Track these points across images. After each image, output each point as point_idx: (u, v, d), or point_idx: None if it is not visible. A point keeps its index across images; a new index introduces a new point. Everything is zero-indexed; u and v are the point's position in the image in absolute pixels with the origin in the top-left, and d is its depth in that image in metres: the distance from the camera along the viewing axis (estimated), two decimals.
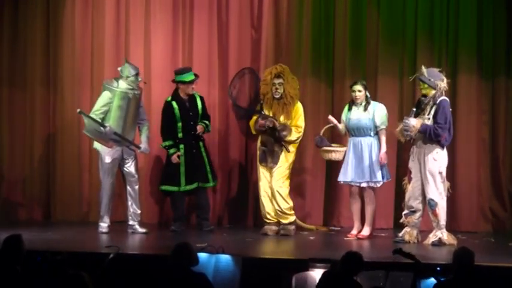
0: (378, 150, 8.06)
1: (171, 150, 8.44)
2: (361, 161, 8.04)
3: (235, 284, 6.17)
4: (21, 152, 9.47)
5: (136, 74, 8.29)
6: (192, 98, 8.56)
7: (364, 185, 8.08)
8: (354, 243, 7.90)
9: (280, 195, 8.27)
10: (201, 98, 8.65)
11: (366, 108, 8.09)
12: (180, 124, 8.47)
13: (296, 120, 8.31)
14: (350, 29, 9.08)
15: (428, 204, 7.71)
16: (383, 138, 8.06)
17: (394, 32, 9.05)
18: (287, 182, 8.36)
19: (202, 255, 6.18)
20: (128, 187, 8.36)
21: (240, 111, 9.09)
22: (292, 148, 8.36)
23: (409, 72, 8.68)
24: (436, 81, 7.72)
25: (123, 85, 8.23)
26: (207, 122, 8.59)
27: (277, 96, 8.30)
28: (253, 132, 8.52)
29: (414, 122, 7.66)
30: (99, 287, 5.25)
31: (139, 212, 8.38)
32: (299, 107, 8.37)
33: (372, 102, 8.15)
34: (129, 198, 8.36)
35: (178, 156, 8.41)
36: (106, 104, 8.18)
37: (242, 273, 6.21)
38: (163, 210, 9.30)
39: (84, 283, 4.42)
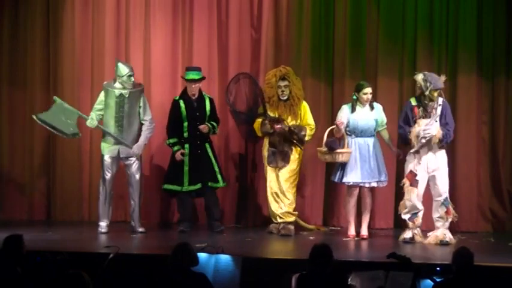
0: (380, 150, 8.15)
1: (175, 148, 8.43)
2: (367, 161, 8.08)
3: (235, 284, 6.17)
4: (21, 152, 9.46)
5: (129, 75, 8.27)
6: (201, 98, 8.53)
7: (374, 184, 8.13)
8: (354, 244, 7.91)
9: (288, 197, 8.34)
10: (211, 100, 8.62)
11: (372, 108, 8.17)
12: (186, 123, 8.45)
13: (306, 119, 8.38)
14: (350, 29, 9.08)
15: (444, 202, 7.79)
16: (387, 135, 8.24)
17: (394, 32, 9.05)
18: (296, 182, 8.43)
19: (202, 255, 6.18)
20: (130, 187, 8.37)
21: (240, 117, 9.02)
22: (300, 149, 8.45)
23: (409, 72, 8.69)
24: (439, 86, 7.82)
25: (118, 85, 8.30)
26: (214, 123, 8.56)
27: (284, 98, 8.34)
28: (259, 134, 8.54)
29: (435, 131, 7.72)
30: (99, 287, 5.25)
31: (138, 212, 8.38)
32: (305, 105, 8.43)
33: (374, 103, 8.25)
34: (132, 200, 8.37)
35: (183, 154, 8.40)
36: (99, 103, 8.32)
37: (242, 273, 6.21)
38: (163, 210, 9.30)
39: (84, 283, 4.42)
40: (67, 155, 9.34)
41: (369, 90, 8.16)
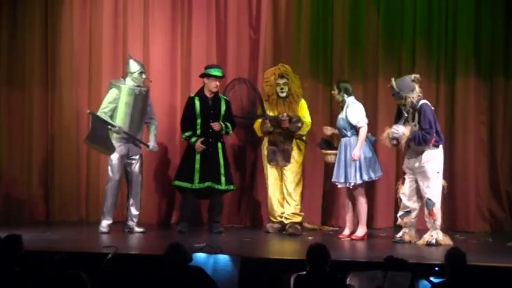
0: (350, 150, 8.04)
1: (193, 139, 8.40)
2: (340, 161, 8.09)
3: (234, 284, 6.17)
4: (20, 152, 9.46)
5: (141, 72, 8.29)
6: (216, 98, 8.52)
7: (340, 185, 8.14)
8: (351, 244, 7.91)
9: (294, 199, 8.42)
10: (227, 102, 8.60)
11: (341, 109, 8.13)
12: (199, 120, 8.44)
13: (302, 116, 8.43)
14: (348, 29, 9.09)
15: (426, 204, 7.72)
16: (360, 136, 7.98)
17: (393, 33, 9.07)
18: (300, 182, 8.51)
19: (200, 256, 6.19)
20: (131, 187, 8.36)
21: (240, 121, 9.05)
22: (302, 148, 8.52)
23: (408, 73, 8.64)
24: (405, 94, 7.67)
25: (129, 82, 8.26)
26: (227, 124, 8.54)
27: (283, 96, 8.38)
28: (260, 134, 8.60)
29: (404, 130, 7.67)
30: (97, 287, 5.26)
31: (138, 212, 8.38)
32: (303, 103, 8.50)
33: (348, 103, 8.07)
34: (131, 198, 8.36)
35: (192, 152, 8.36)
36: (113, 100, 8.18)
37: (240, 273, 6.21)
38: (162, 210, 9.30)
39: (82, 283, 4.43)
40: (65, 155, 9.34)
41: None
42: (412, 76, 7.81)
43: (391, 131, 7.75)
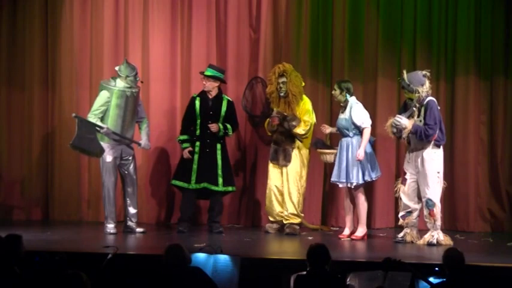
0: (356, 150, 8.04)
1: (184, 145, 8.44)
2: (341, 161, 8.08)
3: (234, 284, 6.17)
4: (20, 152, 9.47)
5: (135, 74, 8.30)
6: (218, 98, 8.53)
7: (341, 185, 8.14)
8: (351, 244, 7.90)
9: (293, 199, 8.39)
10: (229, 103, 8.60)
11: (344, 109, 8.14)
12: (198, 121, 8.47)
13: (303, 116, 8.40)
14: (348, 29, 9.09)
15: (426, 204, 7.71)
16: (364, 137, 8.00)
17: (393, 33, 9.06)
18: (301, 183, 8.44)
19: (200, 256, 6.19)
20: (127, 188, 8.35)
21: (255, 120, 9.10)
22: (304, 148, 8.48)
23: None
24: (416, 87, 7.69)
25: (120, 84, 8.23)
26: (227, 125, 8.53)
27: (282, 95, 8.39)
28: (269, 133, 8.61)
29: (406, 122, 7.68)
30: (97, 287, 5.25)
31: (136, 211, 8.37)
32: (305, 102, 8.46)
33: (350, 103, 8.10)
34: (127, 199, 8.35)
35: (190, 152, 8.39)
36: (104, 103, 8.17)
37: (240, 273, 6.21)
38: (162, 210, 9.30)
39: (82, 283, 4.42)
40: (65, 155, 9.32)
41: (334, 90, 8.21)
42: (424, 72, 7.83)
43: (394, 119, 7.75)
